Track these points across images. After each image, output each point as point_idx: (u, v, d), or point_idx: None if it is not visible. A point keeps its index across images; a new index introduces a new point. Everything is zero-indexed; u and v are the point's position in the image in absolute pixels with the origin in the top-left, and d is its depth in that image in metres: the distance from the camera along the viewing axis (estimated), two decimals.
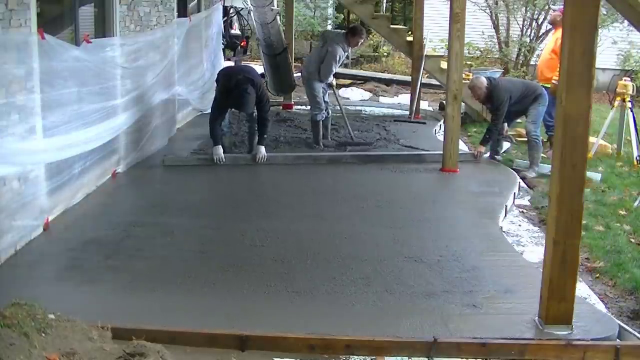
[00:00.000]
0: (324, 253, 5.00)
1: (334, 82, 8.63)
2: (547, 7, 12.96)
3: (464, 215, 6.08)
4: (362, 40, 8.20)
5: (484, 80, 7.91)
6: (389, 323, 3.94)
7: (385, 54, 17.76)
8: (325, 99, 8.59)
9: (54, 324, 3.24)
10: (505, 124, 8.09)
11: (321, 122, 8.46)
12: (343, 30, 8.78)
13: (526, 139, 8.07)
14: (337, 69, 8.37)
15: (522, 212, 6.67)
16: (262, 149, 7.65)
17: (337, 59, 8.24)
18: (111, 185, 6.64)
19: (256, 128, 7.77)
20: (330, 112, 8.69)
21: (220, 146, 7.56)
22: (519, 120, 8.52)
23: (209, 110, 7.88)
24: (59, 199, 5.60)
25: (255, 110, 7.62)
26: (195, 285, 4.42)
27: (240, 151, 8.10)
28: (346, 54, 8.34)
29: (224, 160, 7.54)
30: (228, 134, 8.07)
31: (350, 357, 3.77)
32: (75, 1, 5.99)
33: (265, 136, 7.71)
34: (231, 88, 7.30)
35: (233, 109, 7.90)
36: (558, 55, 8.14)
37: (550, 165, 4.71)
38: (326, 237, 5.36)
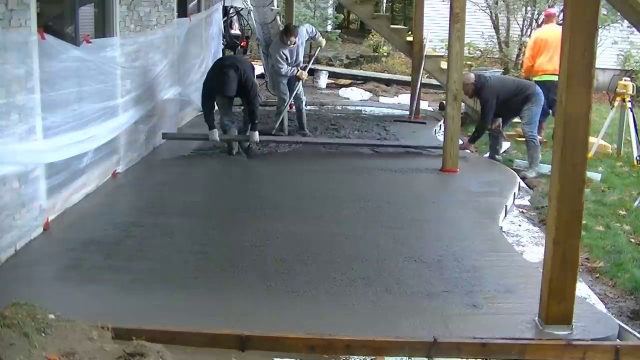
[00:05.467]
0: (324, 253, 5.00)
1: (304, 75, 9.11)
2: (547, 7, 12.95)
3: (464, 215, 6.08)
4: (294, 37, 8.77)
5: (471, 76, 8.00)
6: (389, 323, 3.95)
7: (385, 54, 17.74)
8: (295, 92, 9.07)
9: (54, 324, 3.24)
10: (499, 119, 8.12)
11: (283, 112, 9.04)
12: (281, 31, 9.26)
13: (524, 139, 8.11)
14: (285, 63, 8.83)
15: (522, 212, 6.67)
16: (256, 134, 7.91)
17: (279, 58, 8.82)
18: (111, 185, 6.64)
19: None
20: (303, 105, 9.27)
21: (216, 130, 7.83)
22: (517, 120, 8.55)
23: (203, 114, 8.05)
24: (59, 199, 5.60)
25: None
26: (195, 285, 4.42)
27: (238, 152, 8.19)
28: (288, 50, 8.86)
29: (219, 140, 7.90)
30: (233, 128, 8.23)
31: (350, 357, 3.77)
32: (75, 1, 5.99)
33: (257, 122, 7.94)
34: (215, 71, 7.73)
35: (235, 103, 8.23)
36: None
37: (550, 165, 4.71)
38: (326, 238, 5.36)
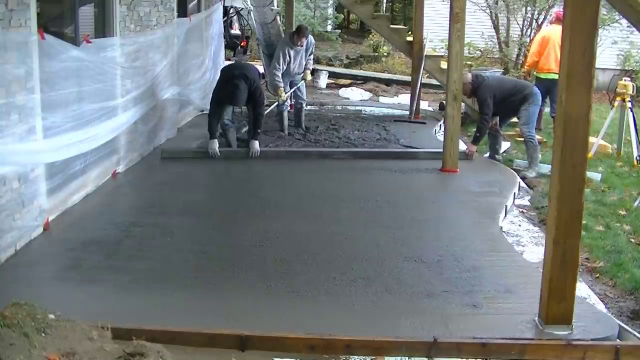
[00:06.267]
0: (324, 253, 5.00)
1: (284, 97, 9.14)
2: (547, 7, 12.96)
3: (464, 215, 6.08)
4: (305, 39, 8.91)
5: (468, 76, 8.01)
6: (389, 323, 3.95)
7: (385, 54, 17.74)
8: (299, 93, 9.32)
9: (54, 324, 3.24)
10: (497, 118, 8.14)
11: (285, 113, 9.20)
12: (292, 31, 9.44)
13: (523, 140, 8.13)
14: (284, 65, 8.94)
15: (522, 212, 6.67)
16: (256, 144, 7.90)
17: (281, 56, 8.88)
18: (111, 185, 6.64)
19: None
20: (303, 104, 9.48)
21: (216, 140, 7.82)
22: (514, 120, 8.57)
23: (207, 122, 8.03)
24: (59, 199, 5.60)
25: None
26: (195, 285, 4.42)
27: (240, 145, 8.24)
28: (294, 51, 8.98)
29: (218, 154, 7.80)
30: (232, 128, 8.34)
31: (350, 357, 3.77)
32: (75, 1, 5.99)
33: (259, 131, 7.98)
34: (226, 82, 7.73)
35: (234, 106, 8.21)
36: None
37: (550, 165, 4.71)
38: (326, 237, 5.36)
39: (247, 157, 7.85)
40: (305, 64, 9.35)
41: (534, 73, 9.80)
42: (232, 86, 7.58)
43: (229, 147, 8.13)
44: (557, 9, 11.01)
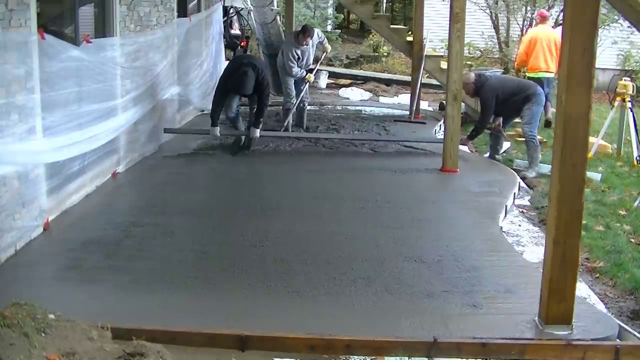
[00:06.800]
0: (324, 253, 5.00)
1: (312, 78, 9.40)
2: (547, 7, 12.96)
3: (464, 215, 6.08)
4: (310, 38, 8.96)
5: (471, 76, 8.04)
6: (389, 323, 3.95)
7: (385, 54, 17.74)
8: (302, 92, 9.23)
9: (54, 324, 3.24)
10: (500, 119, 8.15)
11: (291, 110, 9.15)
12: (297, 30, 9.53)
13: (524, 139, 8.13)
14: (296, 64, 9.02)
15: (522, 212, 6.67)
16: (257, 131, 8.08)
17: (290, 56, 8.96)
18: (111, 185, 6.64)
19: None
20: (306, 104, 9.50)
21: (218, 127, 7.99)
22: (517, 120, 8.57)
23: (210, 109, 8.19)
24: (59, 199, 5.60)
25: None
26: (195, 285, 4.42)
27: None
28: (300, 51, 9.02)
29: (219, 135, 8.05)
30: (239, 117, 8.48)
31: (350, 357, 3.77)
32: (75, 1, 5.98)
33: (261, 120, 8.10)
34: (234, 70, 7.85)
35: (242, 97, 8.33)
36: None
37: (550, 165, 4.71)
38: (326, 237, 5.36)
39: (248, 138, 8.08)
40: (322, 43, 9.46)
41: (527, 74, 9.95)
42: (240, 73, 7.67)
43: (237, 141, 8.22)
44: (542, 10, 11.21)
